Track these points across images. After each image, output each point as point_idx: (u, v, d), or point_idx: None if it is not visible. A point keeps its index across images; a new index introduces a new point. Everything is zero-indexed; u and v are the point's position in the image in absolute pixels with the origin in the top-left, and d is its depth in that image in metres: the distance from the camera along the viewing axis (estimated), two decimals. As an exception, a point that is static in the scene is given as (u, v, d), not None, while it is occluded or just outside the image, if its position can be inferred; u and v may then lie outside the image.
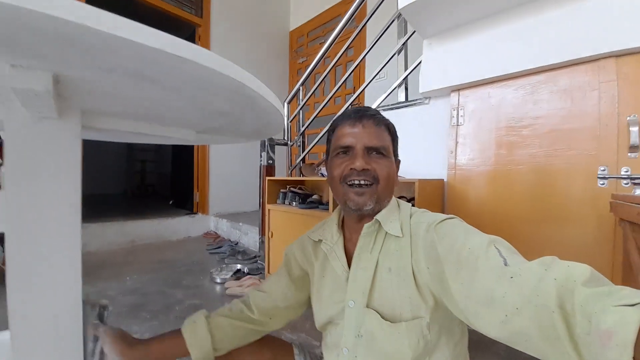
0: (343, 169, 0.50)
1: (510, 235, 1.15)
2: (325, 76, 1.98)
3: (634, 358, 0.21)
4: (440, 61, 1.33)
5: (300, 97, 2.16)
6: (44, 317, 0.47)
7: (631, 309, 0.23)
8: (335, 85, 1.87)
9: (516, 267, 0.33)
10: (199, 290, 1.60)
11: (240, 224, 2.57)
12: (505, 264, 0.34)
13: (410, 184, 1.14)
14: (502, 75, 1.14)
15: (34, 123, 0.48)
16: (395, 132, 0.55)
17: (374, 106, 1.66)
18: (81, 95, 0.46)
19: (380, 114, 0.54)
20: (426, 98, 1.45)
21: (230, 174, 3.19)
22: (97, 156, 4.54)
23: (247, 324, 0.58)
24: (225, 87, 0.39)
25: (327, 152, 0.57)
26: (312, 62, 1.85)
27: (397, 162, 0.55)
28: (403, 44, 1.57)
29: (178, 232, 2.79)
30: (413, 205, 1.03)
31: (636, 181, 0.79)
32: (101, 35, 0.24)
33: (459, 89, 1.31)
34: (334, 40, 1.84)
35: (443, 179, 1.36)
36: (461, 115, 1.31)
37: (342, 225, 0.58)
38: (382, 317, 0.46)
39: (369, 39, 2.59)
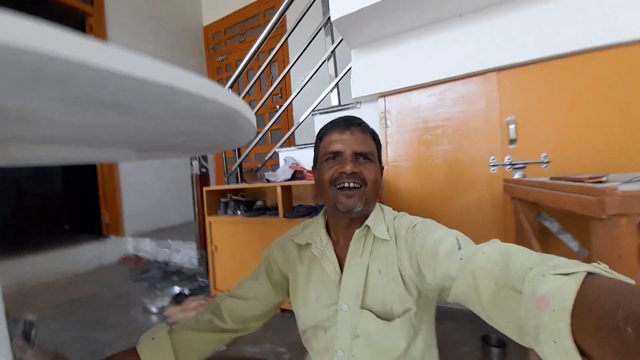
0: (332, 172, 0.53)
1: (432, 215, 1.38)
2: (257, 79, 1.94)
3: (571, 325, 0.23)
4: (368, 69, 1.48)
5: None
6: None
7: (567, 278, 0.25)
8: (260, 85, 1.85)
9: (465, 250, 0.40)
10: (133, 326, 1.38)
11: (169, 241, 2.30)
12: (459, 249, 0.41)
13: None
14: (418, 84, 1.35)
15: None
16: (379, 140, 0.60)
17: (308, 111, 1.72)
18: (6, 123, 0.36)
19: (366, 123, 0.58)
20: (357, 102, 1.59)
21: (147, 186, 2.80)
22: None
23: (216, 333, 0.56)
24: (214, 112, 0.37)
25: (315, 159, 0.59)
26: (232, 60, 1.78)
27: (382, 168, 0.59)
28: (332, 52, 1.67)
29: (86, 263, 2.31)
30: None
31: (516, 166, 1.06)
32: (72, 67, 0.21)
33: (385, 95, 1.48)
34: (261, 45, 1.82)
35: (377, 175, 1.53)
36: (388, 118, 1.48)
37: (327, 228, 0.60)
38: (377, 316, 0.50)
39: (293, 40, 2.65)
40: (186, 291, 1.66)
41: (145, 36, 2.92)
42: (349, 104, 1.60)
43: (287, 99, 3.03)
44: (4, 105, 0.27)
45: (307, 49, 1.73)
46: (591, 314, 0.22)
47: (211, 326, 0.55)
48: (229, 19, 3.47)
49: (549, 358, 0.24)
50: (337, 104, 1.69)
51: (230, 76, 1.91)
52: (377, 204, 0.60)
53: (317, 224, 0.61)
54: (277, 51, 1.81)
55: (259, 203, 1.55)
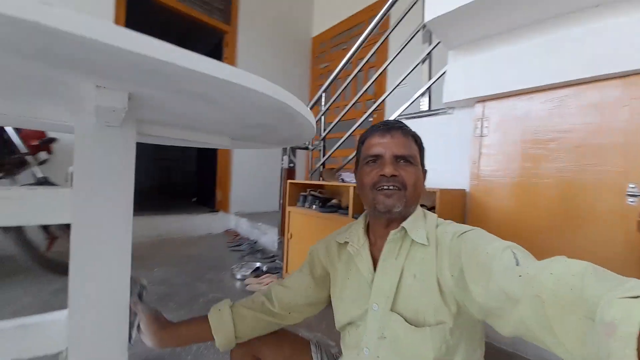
0: (373, 176, 0.53)
1: (530, 246, 1.14)
2: (349, 83, 2.02)
3: (638, 350, 0.21)
4: (465, 72, 1.34)
5: (322, 103, 2.21)
6: (100, 295, 0.54)
7: (635, 301, 0.23)
8: (356, 91, 1.90)
9: (525, 266, 0.36)
10: (221, 285, 1.68)
11: (260, 223, 2.65)
12: (517, 264, 0.37)
13: (431, 192, 1.15)
14: (528, 88, 1.14)
15: (100, 130, 0.55)
16: (422, 143, 0.58)
17: (395, 114, 1.68)
18: (140, 108, 0.53)
19: (407, 127, 0.57)
20: (450, 108, 1.46)
21: (251, 174, 3.30)
22: (128, 153, 4.82)
23: (267, 316, 0.62)
24: (272, 106, 0.44)
25: (357, 163, 0.60)
26: (334, 67, 1.90)
27: (424, 171, 0.58)
28: (428, 54, 1.58)
29: (200, 229, 2.92)
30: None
31: (668, 201, 0.77)
32: (181, 69, 0.30)
33: (483, 100, 1.31)
34: (359, 48, 1.88)
35: (464, 189, 1.36)
36: (485, 126, 1.30)
37: (367, 230, 0.61)
38: (406, 321, 0.49)
39: (392, 45, 2.62)
40: (264, 268, 1.89)
41: (264, 47, 3.43)
42: (439, 109, 1.49)
43: (382, 105, 3.02)
44: (138, 93, 0.41)
45: (407, 56, 1.68)
46: None
47: (263, 307, 0.63)
48: (335, 28, 3.70)
49: None
50: (426, 109, 1.59)
51: (331, 82, 2.05)
52: (420, 209, 0.57)
53: (357, 224, 0.62)
54: (372, 54, 1.84)
55: (334, 201, 1.62)
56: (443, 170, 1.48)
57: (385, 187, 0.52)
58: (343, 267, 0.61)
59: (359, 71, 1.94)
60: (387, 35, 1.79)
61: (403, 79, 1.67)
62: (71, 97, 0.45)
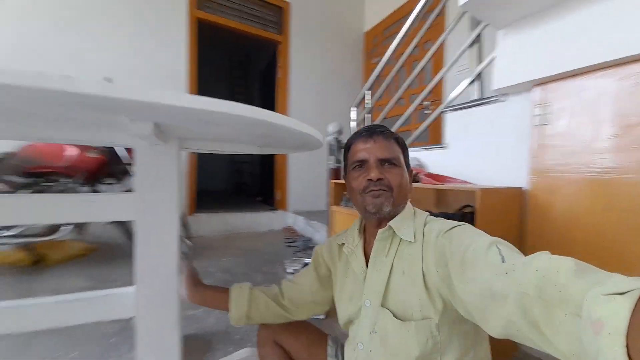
0: (361, 181, 0.57)
1: (608, 253, 0.94)
2: (392, 78, 1.96)
3: (627, 346, 0.21)
4: (519, 52, 1.17)
5: (368, 99, 2.19)
6: (157, 274, 0.70)
7: (621, 298, 0.23)
8: (402, 88, 1.83)
9: (511, 262, 0.35)
10: (274, 276, 1.85)
11: (314, 221, 2.78)
12: (503, 261, 0.36)
13: (469, 193, 1.04)
14: (600, 63, 0.94)
15: (150, 148, 0.71)
16: (405, 144, 0.59)
17: (440, 108, 1.57)
18: (178, 130, 0.66)
19: (389, 130, 0.59)
20: (502, 95, 1.29)
21: (306, 174, 3.46)
22: (206, 160, 5.60)
23: (277, 306, 0.69)
24: (256, 122, 0.51)
25: (345, 168, 0.64)
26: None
27: (410, 171, 0.59)
28: (476, 37, 1.43)
29: (263, 225, 3.22)
30: (472, 218, 0.97)
31: None
32: (172, 108, 0.39)
33: (542, 82, 1.12)
34: (403, 38, 1.80)
35: (521, 187, 1.19)
36: (546, 113, 1.12)
37: (364, 231, 0.64)
38: (395, 316, 0.51)
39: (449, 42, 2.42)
40: (313, 264, 1.99)
41: (314, 50, 3.55)
42: (491, 97, 1.33)
43: (437, 99, 2.81)
44: (191, 127, 0.53)
45: (459, 45, 1.54)
46: None
47: (274, 297, 0.70)
48: (387, 20, 3.57)
49: None
50: (477, 97, 1.43)
51: (384, 76, 2.00)
52: (410, 207, 0.58)
53: (354, 226, 0.65)
54: (417, 43, 1.74)
55: (376, 200, 1.61)
56: (497, 167, 1.32)
57: (374, 189, 0.55)
58: (342, 266, 0.65)
59: (402, 65, 1.86)
60: (434, 19, 1.67)
61: (450, 66, 1.55)
62: (122, 127, 0.59)
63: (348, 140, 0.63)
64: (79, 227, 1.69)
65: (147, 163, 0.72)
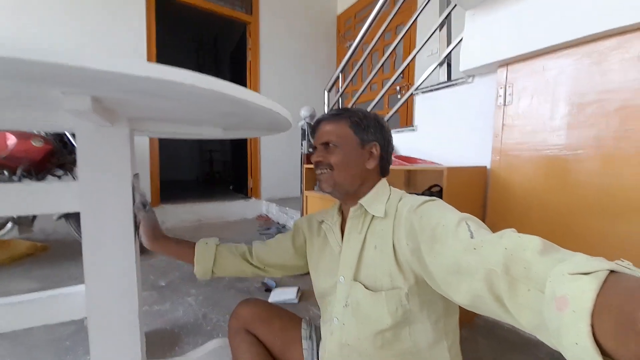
0: (314, 165, 0.61)
1: (564, 229, 1.01)
2: (365, 62, 1.93)
3: (592, 325, 0.22)
4: (486, 33, 1.19)
5: (340, 84, 2.16)
6: (109, 270, 0.63)
7: (587, 278, 0.24)
8: (373, 72, 1.81)
9: (479, 239, 0.36)
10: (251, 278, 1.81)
11: (287, 208, 2.75)
12: (472, 237, 0.37)
13: (438, 172, 1.07)
14: (560, 43, 0.97)
15: (96, 130, 0.62)
16: (361, 121, 0.59)
17: (410, 91, 1.57)
18: (125, 108, 0.59)
19: (342, 112, 0.60)
20: (469, 77, 1.32)
21: (278, 161, 3.39)
22: (174, 149, 5.29)
23: (244, 263, 0.71)
24: (255, 110, 0.47)
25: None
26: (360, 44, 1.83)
27: (370, 146, 0.58)
28: (445, 19, 1.43)
29: (235, 214, 3.13)
30: (440, 196, 1.00)
31: None
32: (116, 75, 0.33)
33: (507, 63, 1.15)
34: (373, 21, 1.77)
35: (486, 166, 1.24)
36: (509, 94, 1.16)
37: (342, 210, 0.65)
38: (366, 288, 0.52)
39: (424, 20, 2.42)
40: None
41: (286, 31, 3.41)
42: (457, 80, 1.35)
43: (409, 82, 2.84)
44: (139, 104, 0.46)
45: (428, 30, 1.53)
46: (611, 315, 0.21)
47: (242, 255, 0.71)
48: (360, 2, 3.51)
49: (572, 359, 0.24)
50: (445, 80, 1.45)
51: (357, 60, 1.97)
52: (385, 186, 0.59)
53: (334, 205, 0.67)
54: (386, 27, 1.72)
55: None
56: (464, 147, 1.36)
57: (318, 173, 0.59)
58: (320, 242, 0.66)
59: (371, 50, 1.83)
60: (400, 6, 1.65)
61: (419, 49, 1.54)
62: (53, 103, 0.51)
63: (312, 127, 0.65)
64: (24, 223, 1.52)
65: (92, 147, 0.63)
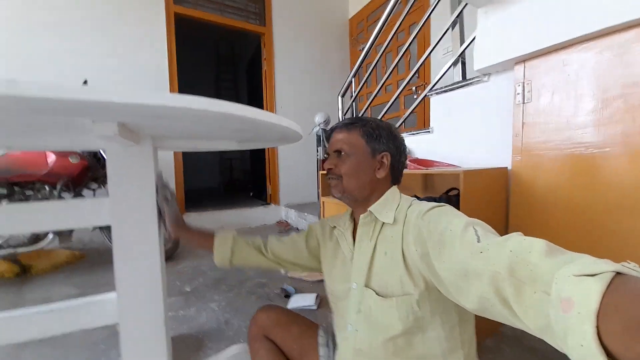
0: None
1: (590, 230, 0.96)
2: (375, 65, 1.93)
3: (597, 327, 0.22)
4: (500, 30, 1.16)
5: (353, 88, 2.16)
6: (138, 278, 0.68)
7: (592, 279, 0.24)
8: (387, 73, 1.81)
9: (486, 242, 0.37)
10: (268, 272, 1.85)
11: (305, 214, 2.78)
12: (478, 241, 0.38)
13: (455, 175, 1.04)
14: (579, 36, 0.93)
15: (123, 150, 0.68)
16: (374, 130, 0.60)
17: (425, 92, 1.55)
18: (148, 129, 0.64)
19: (356, 122, 0.60)
20: (484, 75, 1.28)
21: (295, 167, 3.44)
22: (197, 159, 5.51)
23: (259, 255, 0.74)
24: (264, 126, 0.51)
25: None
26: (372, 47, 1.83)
27: (381, 156, 0.59)
28: (457, 17, 1.41)
29: (256, 220, 3.20)
30: (458, 200, 0.98)
31: None
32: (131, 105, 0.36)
33: (524, 59, 1.12)
34: (385, 21, 1.76)
35: (506, 167, 1.20)
36: (528, 91, 1.12)
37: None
38: (377, 294, 0.53)
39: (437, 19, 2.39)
40: (307, 256, 1.99)
41: (299, 39, 3.47)
42: (472, 79, 1.32)
43: (425, 81, 2.79)
44: (160, 125, 0.50)
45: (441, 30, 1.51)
46: (617, 317, 0.21)
47: (258, 248, 0.75)
48: (372, 4, 3.50)
49: None
50: (460, 79, 1.42)
51: (371, 63, 1.96)
52: (396, 193, 0.60)
53: (347, 211, 0.68)
54: (399, 26, 1.71)
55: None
56: (483, 148, 1.32)
57: (328, 179, 0.62)
58: (332, 247, 0.67)
59: (384, 51, 1.83)
60: (411, 6, 1.64)
61: (433, 48, 1.52)
62: (85, 129, 0.56)
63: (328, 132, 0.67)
64: (64, 234, 1.65)
65: (120, 165, 0.69)
